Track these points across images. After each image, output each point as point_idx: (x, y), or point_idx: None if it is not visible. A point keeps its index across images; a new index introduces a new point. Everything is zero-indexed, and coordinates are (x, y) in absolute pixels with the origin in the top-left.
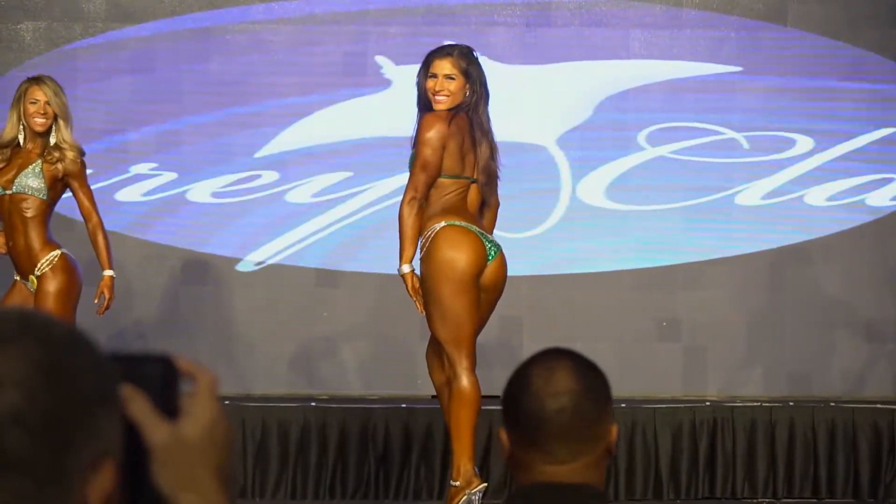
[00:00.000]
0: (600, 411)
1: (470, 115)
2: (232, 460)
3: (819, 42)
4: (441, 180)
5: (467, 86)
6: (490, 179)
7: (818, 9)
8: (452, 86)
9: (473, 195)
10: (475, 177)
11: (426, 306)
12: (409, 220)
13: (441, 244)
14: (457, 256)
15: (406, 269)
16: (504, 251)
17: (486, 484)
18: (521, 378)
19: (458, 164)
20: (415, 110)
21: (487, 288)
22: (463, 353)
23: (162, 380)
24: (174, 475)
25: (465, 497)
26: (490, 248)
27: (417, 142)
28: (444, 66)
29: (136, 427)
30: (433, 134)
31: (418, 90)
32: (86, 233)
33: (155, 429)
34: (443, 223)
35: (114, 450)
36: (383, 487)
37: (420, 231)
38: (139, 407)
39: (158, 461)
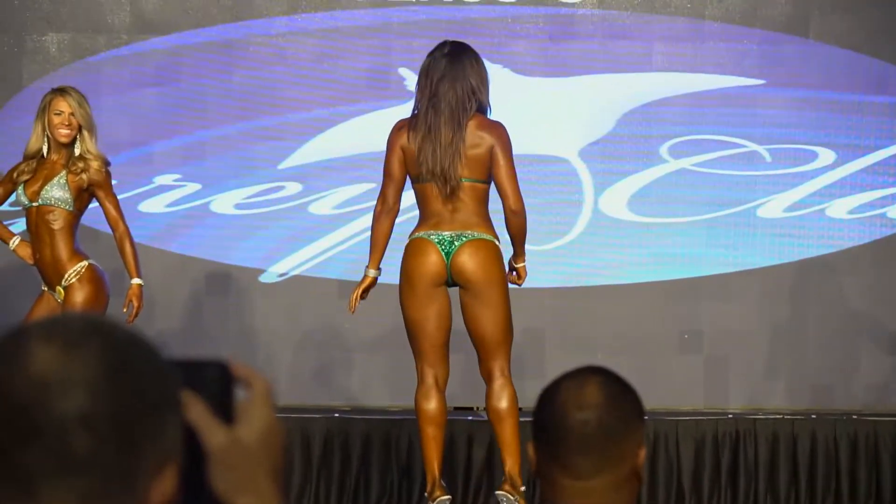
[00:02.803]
0: (626, 430)
1: (428, 115)
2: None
3: (841, 55)
4: (415, 186)
5: (416, 85)
6: (435, 178)
7: (840, 22)
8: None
9: (440, 194)
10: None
11: None
12: (374, 226)
13: (403, 259)
14: (407, 268)
15: (370, 273)
16: (509, 253)
17: (449, 497)
18: (551, 390)
19: (418, 168)
20: None
21: (464, 282)
22: (422, 366)
23: (219, 384)
24: (232, 479)
25: None
26: (450, 244)
27: None
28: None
29: (194, 431)
30: (388, 142)
31: None
32: (112, 244)
33: (213, 433)
34: (408, 239)
35: (176, 453)
36: (406, 498)
37: None
38: (198, 411)
39: (216, 465)
